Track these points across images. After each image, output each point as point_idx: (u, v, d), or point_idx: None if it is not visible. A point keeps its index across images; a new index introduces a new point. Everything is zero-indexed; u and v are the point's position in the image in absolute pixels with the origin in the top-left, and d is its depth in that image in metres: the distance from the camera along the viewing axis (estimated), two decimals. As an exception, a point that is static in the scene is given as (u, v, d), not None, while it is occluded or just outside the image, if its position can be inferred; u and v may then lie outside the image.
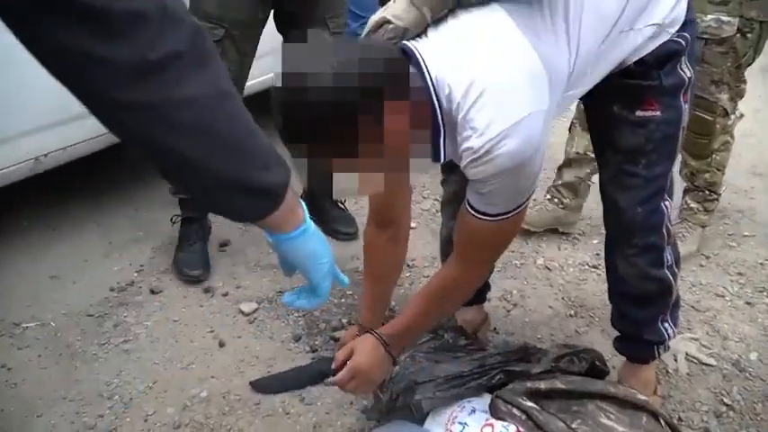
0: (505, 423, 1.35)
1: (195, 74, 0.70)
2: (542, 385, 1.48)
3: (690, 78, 1.34)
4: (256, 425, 1.59)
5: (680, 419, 1.67)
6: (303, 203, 0.89)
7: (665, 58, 1.29)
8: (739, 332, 2.01)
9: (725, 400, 1.74)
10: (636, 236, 1.44)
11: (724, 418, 1.68)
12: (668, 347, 1.63)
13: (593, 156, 2.33)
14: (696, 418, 1.68)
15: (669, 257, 1.49)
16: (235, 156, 0.76)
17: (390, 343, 1.39)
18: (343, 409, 1.64)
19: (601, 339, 1.94)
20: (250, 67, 2.08)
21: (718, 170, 2.37)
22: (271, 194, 0.81)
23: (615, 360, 1.84)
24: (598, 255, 2.39)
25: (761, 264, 2.37)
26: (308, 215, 0.89)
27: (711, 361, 1.88)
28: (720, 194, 2.45)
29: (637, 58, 1.28)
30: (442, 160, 1.16)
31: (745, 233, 2.55)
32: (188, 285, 2.09)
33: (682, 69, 1.32)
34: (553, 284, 2.20)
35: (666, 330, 1.57)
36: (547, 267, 2.27)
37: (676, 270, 1.53)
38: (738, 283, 2.25)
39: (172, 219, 2.25)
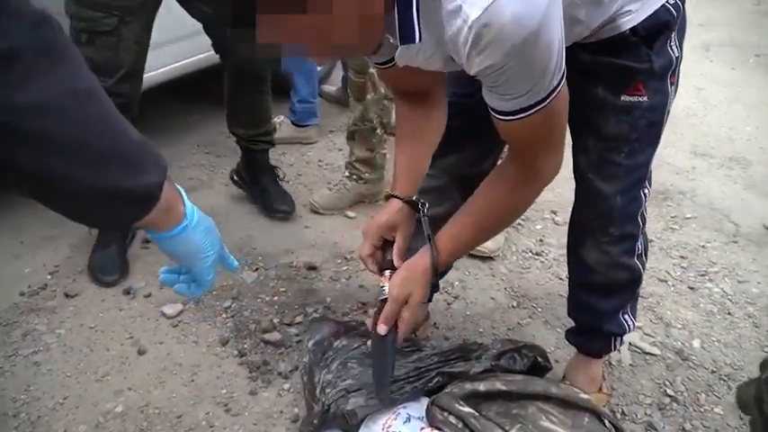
0: (441, 433, 1.27)
1: (43, 74, 0.60)
2: (482, 386, 1.40)
3: (677, 58, 1.25)
4: (177, 441, 1.47)
5: (623, 414, 1.63)
6: (185, 197, 0.82)
7: (656, 32, 1.20)
8: (682, 318, 1.98)
9: (668, 392, 1.70)
10: (613, 225, 1.36)
11: (667, 411, 1.64)
12: (623, 341, 1.57)
13: (372, 125, 2.36)
14: (639, 412, 1.63)
15: (640, 246, 1.43)
16: (98, 163, 0.67)
17: (440, 263, 1.21)
18: (272, 420, 1.53)
19: (543, 331, 1.88)
20: (146, 54, 1.92)
21: None
22: (143, 198, 0.73)
23: (558, 353, 1.79)
24: (541, 241, 2.34)
25: (702, 246, 2.35)
26: (190, 208, 0.83)
27: (655, 350, 1.84)
28: None
29: (631, 25, 1.18)
30: (417, 40, 0.94)
31: (687, 215, 2.53)
32: (107, 288, 1.94)
33: (671, 48, 1.23)
34: (495, 274, 2.12)
35: (627, 322, 1.52)
36: (489, 256, 2.19)
37: (645, 260, 1.47)
38: (681, 267, 2.23)
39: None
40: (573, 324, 1.61)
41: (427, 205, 1.27)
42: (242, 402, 1.57)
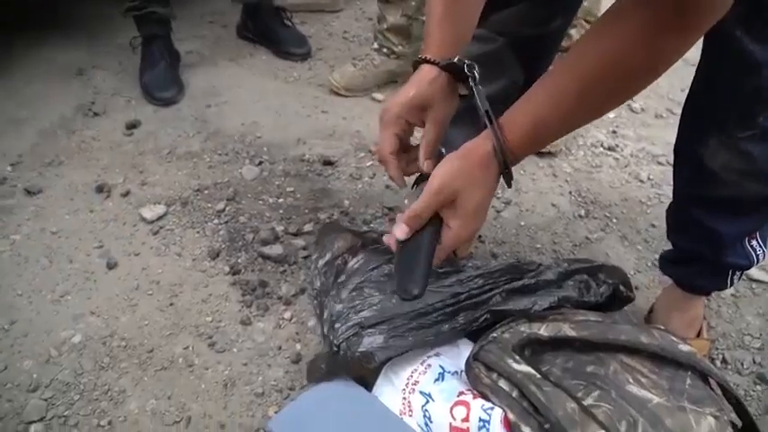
0: (487, 405, 0.90)
1: None
2: (543, 330, 1.04)
3: None
4: (145, 383, 1.14)
5: (724, 361, 1.24)
6: None
7: None
8: (798, 234, 1.54)
9: (784, 332, 1.30)
10: (764, 111, 0.91)
11: (784, 359, 1.26)
12: (743, 275, 1.16)
13: None
14: (747, 359, 1.25)
15: None
16: None
17: (511, 151, 0.77)
18: (267, 359, 1.19)
19: (620, 249, 1.47)
20: None
21: None
22: None
23: (639, 278, 1.40)
24: (615, 132, 1.88)
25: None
26: None
27: (763, 276, 1.42)
28: None
29: None
30: None
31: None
32: (77, 184, 1.58)
33: None
34: (557, 174, 1.69)
35: (755, 251, 1.09)
36: (549, 151, 1.75)
37: None
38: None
39: (131, 42, 2.00)
40: (670, 247, 1.19)
41: (477, 69, 0.84)
42: (230, 335, 1.23)
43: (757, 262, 1.09)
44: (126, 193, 1.55)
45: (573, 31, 1.79)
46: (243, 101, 1.91)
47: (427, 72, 0.87)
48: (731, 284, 1.13)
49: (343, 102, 1.94)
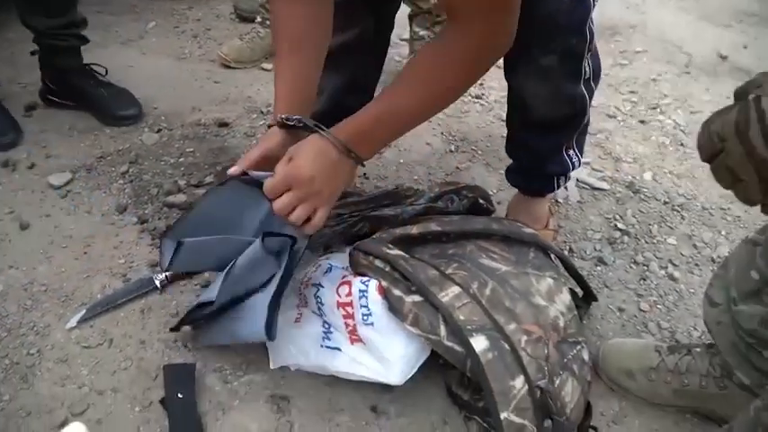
0: (365, 279, 1.09)
1: None
2: (414, 230, 1.23)
3: None
4: (68, 317, 1.26)
5: (571, 251, 1.49)
6: None
7: None
8: (632, 152, 1.83)
9: (618, 225, 1.57)
10: (556, 37, 1.11)
11: (618, 245, 1.52)
12: (569, 178, 1.40)
13: None
14: (588, 248, 1.50)
15: (588, 68, 1.21)
16: None
17: (350, 142, 0.96)
18: (179, 287, 1.33)
19: (484, 174, 1.71)
20: None
21: None
22: None
23: (501, 195, 1.63)
24: (482, 84, 2.12)
25: (653, 79, 2.18)
26: None
27: (604, 185, 1.69)
28: None
29: None
30: None
31: (638, 49, 2.35)
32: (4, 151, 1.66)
33: None
34: (430, 119, 1.91)
35: (571, 159, 1.33)
36: (424, 102, 1.97)
37: (593, 85, 1.26)
38: (631, 102, 2.06)
39: None
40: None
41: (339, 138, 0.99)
42: (143, 272, 1.36)
43: (574, 168, 1.35)
44: (32, 166, 1.64)
45: None
46: (137, 78, 2.02)
47: (275, 135, 1.07)
48: (558, 187, 1.39)
49: (234, 73, 2.09)
